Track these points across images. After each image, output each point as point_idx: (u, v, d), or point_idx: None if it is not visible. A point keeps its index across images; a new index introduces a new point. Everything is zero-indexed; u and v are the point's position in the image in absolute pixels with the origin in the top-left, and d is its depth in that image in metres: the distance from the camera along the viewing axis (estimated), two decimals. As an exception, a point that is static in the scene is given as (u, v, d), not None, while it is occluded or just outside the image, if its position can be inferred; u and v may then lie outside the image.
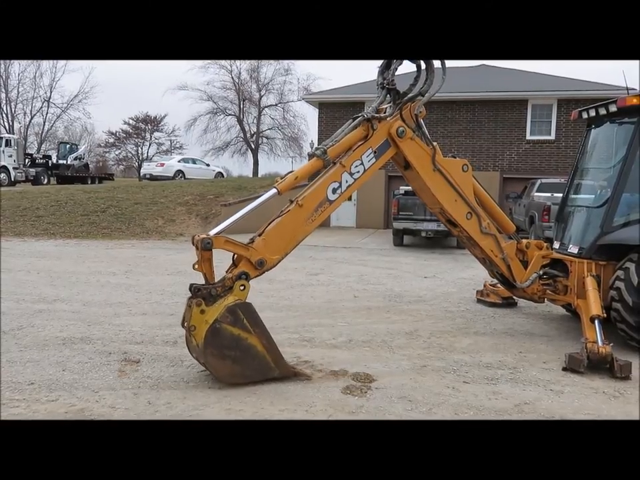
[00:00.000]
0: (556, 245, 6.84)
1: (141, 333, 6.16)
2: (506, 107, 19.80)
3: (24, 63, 45.08)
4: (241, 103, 46.49)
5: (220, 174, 31.96)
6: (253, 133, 47.42)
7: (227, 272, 4.75)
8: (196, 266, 4.65)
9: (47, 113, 48.73)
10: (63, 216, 17.33)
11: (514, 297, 7.57)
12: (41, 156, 34.90)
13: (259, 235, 4.79)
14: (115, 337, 6.01)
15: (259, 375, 4.64)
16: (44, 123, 49.13)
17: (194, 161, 32.17)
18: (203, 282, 4.66)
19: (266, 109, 47.24)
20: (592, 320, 5.33)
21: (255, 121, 47.36)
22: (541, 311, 7.59)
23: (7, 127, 45.16)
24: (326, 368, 5.09)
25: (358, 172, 5.24)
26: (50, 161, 33.16)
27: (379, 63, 5.54)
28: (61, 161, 33.58)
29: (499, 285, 7.52)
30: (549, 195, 13.86)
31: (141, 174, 37.56)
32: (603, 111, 6.28)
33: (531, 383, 4.84)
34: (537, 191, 14.85)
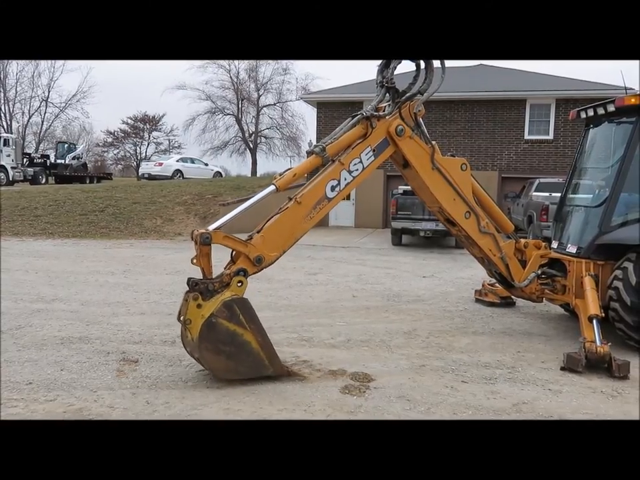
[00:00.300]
0: (554, 244, 6.85)
1: (139, 332, 6.16)
2: (504, 107, 19.81)
3: (22, 62, 45.06)
4: (240, 102, 46.48)
5: (218, 173, 31.95)
6: (251, 132, 47.42)
7: (225, 268, 4.75)
8: (194, 260, 4.65)
9: (45, 112, 48.76)
10: (61, 215, 17.31)
11: (512, 297, 7.57)
12: (39, 155, 34.86)
13: (258, 232, 4.78)
14: (113, 336, 6.00)
15: (252, 372, 4.63)
16: (42, 122, 49.16)
17: (192, 161, 32.14)
18: (201, 278, 4.66)
19: (264, 108, 47.27)
20: (590, 319, 5.34)
21: (253, 121, 47.39)
22: (539, 311, 7.60)
23: (5, 127, 45.08)
24: (324, 367, 5.09)
25: (357, 170, 5.24)
26: (48, 161, 33.12)
27: (378, 62, 5.54)
28: (59, 161, 33.55)
29: (497, 285, 7.52)
30: (547, 194, 13.87)
31: (140, 173, 37.53)
32: (601, 111, 6.28)
33: (529, 382, 4.85)
34: (535, 191, 14.86)
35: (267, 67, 45.57)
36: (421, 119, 5.65)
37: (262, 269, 4.79)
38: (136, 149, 53.52)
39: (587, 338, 5.19)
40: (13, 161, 28.12)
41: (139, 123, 52.37)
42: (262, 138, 47.86)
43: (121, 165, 57.00)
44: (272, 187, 4.91)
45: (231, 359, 4.50)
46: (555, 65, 50.75)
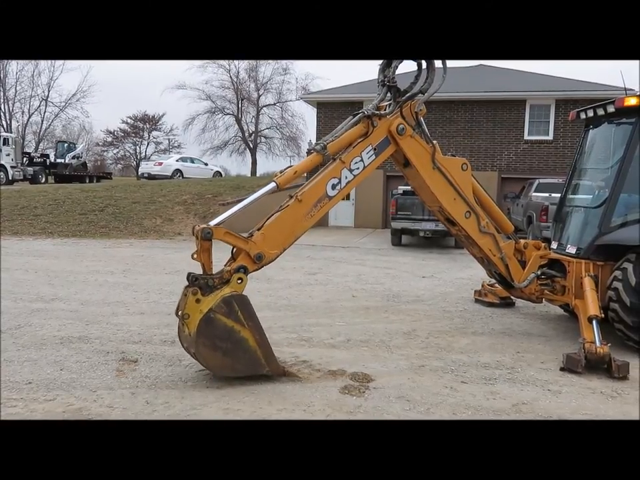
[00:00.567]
0: (554, 245, 6.85)
1: (139, 332, 6.16)
2: (504, 107, 19.82)
3: (22, 61, 45.03)
4: (239, 102, 46.48)
5: (218, 173, 31.94)
6: (251, 132, 47.42)
7: (225, 265, 4.74)
8: (195, 255, 4.65)
9: (45, 111, 48.75)
10: (60, 215, 17.31)
11: (512, 297, 7.57)
12: (39, 155, 34.83)
13: (258, 229, 4.78)
14: (113, 336, 6.00)
15: (248, 370, 4.62)
16: (42, 121, 49.15)
17: (192, 160, 32.13)
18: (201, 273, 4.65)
19: (264, 108, 47.27)
20: (590, 320, 5.34)
21: (253, 120, 47.40)
22: (538, 311, 7.60)
23: (5, 126, 45.05)
24: (324, 368, 5.09)
25: (357, 168, 5.24)
26: (48, 160, 33.07)
27: (378, 62, 5.55)
28: (58, 160, 33.50)
29: (496, 285, 7.52)
30: (546, 195, 13.87)
31: (139, 173, 37.50)
32: (600, 112, 6.29)
33: (528, 383, 4.85)
34: (535, 191, 14.86)
35: (267, 67, 45.65)
36: (422, 118, 5.65)
37: (262, 267, 4.79)
38: (136, 149, 53.62)
39: (586, 338, 5.19)
40: (12, 160, 28.11)
41: (138, 123, 52.44)
42: (262, 138, 47.89)
43: (121, 164, 57.05)
44: (272, 184, 4.91)
45: (227, 355, 4.49)
46: (554, 66, 50.79)
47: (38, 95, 47.71)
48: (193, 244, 4.76)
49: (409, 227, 14.88)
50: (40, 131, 49.47)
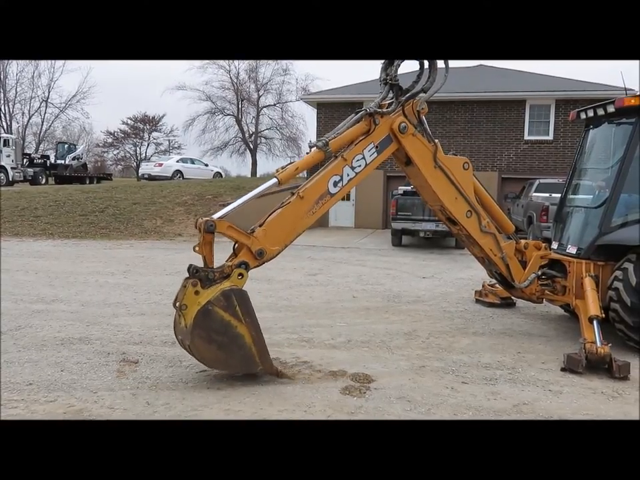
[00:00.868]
0: (554, 245, 6.85)
1: (140, 333, 6.16)
2: (504, 107, 19.83)
3: (22, 62, 45.09)
4: (240, 103, 46.53)
5: (218, 174, 31.94)
6: (251, 133, 47.46)
7: (227, 261, 4.74)
8: (196, 248, 4.64)
9: (45, 112, 48.79)
10: (61, 216, 17.31)
11: (512, 297, 7.57)
12: (39, 156, 34.83)
13: (260, 226, 4.78)
14: (114, 337, 6.00)
15: (241, 367, 4.61)
16: (42, 122, 49.19)
17: (192, 161, 32.15)
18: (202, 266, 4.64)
19: (264, 109, 47.32)
20: (590, 320, 5.34)
21: (253, 121, 47.44)
22: (539, 312, 7.60)
23: (5, 127, 45.09)
24: (325, 368, 5.09)
25: (359, 166, 5.24)
26: (48, 161, 33.09)
27: (378, 63, 5.55)
28: (59, 161, 33.52)
29: (497, 285, 7.52)
30: (547, 195, 13.87)
31: (139, 174, 37.53)
32: (601, 112, 6.29)
33: (529, 383, 4.85)
34: (535, 191, 14.86)
35: (267, 68, 45.71)
36: (423, 117, 5.65)
37: (263, 263, 4.78)
38: (136, 150, 53.58)
39: (587, 339, 5.19)
40: (12, 161, 28.10)
41: (138, 124, 52.41)
42: (262, 138, 47.92)
43: (121, 165, 57.03)
44: (274, 180, 4.92)
45: (222, 349, 4.46)
46: (554, 66, 50.80)
47: (38, 96, 47.82)
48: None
49: (409, 227, 14.88)
50: (40, 132, 49.57)
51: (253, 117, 47.33)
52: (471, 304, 8.03)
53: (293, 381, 4.74)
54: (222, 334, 4.44)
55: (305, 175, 5.25)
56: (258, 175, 43.63)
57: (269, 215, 4.86)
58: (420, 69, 5.54)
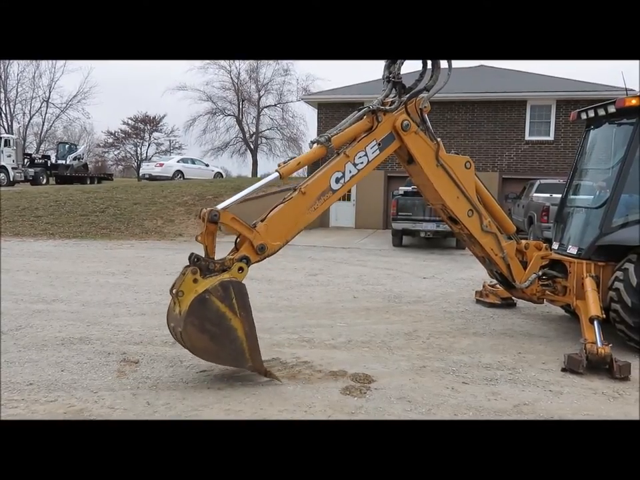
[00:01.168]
0: (555, 245, 6.84)
1: (140, 333, 6.16)
2: (505, 108, 19.82)
3: (23, 62, 45.10)
4: (240, 103, 46.50)
5: (219, 174, 31.95)
6: (252, 133, 47.44)
7: (228, 254, 4.74)
8: (199, 237, 4.64)
9: (46, 113, 48.79)
10: (61, 216, 17.32)
11: (513, 298, 7.57)
12: (40, 156, 34.83)
13: (261, 221, 4.79)
14: (114, 337, 6.00)
15: (231, 361, 4.57)
16: (43, 123, 49.18)
17: (193, 161, 32.16)
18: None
19: (265, 109, 47.29)
20: (591, 321, 5.33)
21: (254, 121, 47.41)
22: (540, 312, 7.59)
23: (6, 127, 45.10)
24: (325, 369, 5.09)
25: (362, 163, 5.24)
26: (49, 161, 33.08)
27: (379, 63, 5.56)
28: (59, 161, 33.52)
29: (498, 286, 7.52)
30: (547, 195, 13.86)
31: (140, 174, 37.56)
32: (601, 112, 6.28)
33: (530, 383, 4.84)
34: (536, 192, 14.85)
35: (268, 68, 45.67)
36: (426, 116, 5.66)
37: (264, 258, 4.78)
38: (136, 150, 53.61)
39: (587, 339, 5.19)
40: (13, 161, 28.11)
41: (139, 124, 52.43)
42: (263, 139, 47.89)
43: (122, 165, 57.05)
44: (275, 174, 4.94)
45: (213, 340, 4.41)
46: (555, 66, 50.78)
47: (39, 97, 47.83)
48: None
49: (409, 227, 14.87)
50: (41, 132, 49.59)
51: (254, 117, 47.35)
52: (472, 304, 8.03)
53: (294, 381, 4.74)
54: (216, 325, 4.39)
55: (307, 170, 5.27)
56: (259, 175, 43.59)
57: (271, 211, 4.87)
58: (423, 67, 5.55)
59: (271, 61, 43.60)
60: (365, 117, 5.32)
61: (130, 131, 52.37)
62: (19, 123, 47.36)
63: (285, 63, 44.68)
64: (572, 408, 4.32)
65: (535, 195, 14.76)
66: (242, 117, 47.01)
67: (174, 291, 4.48)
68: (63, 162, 33.47)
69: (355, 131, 5.27)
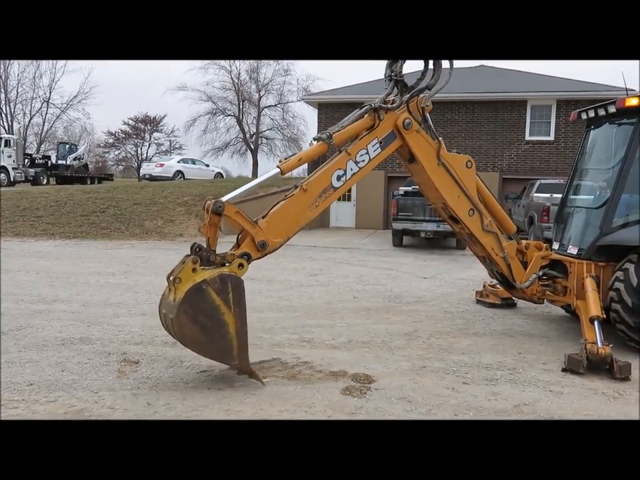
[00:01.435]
0: (555, 245, 6.84)
1: (140, 333, 6.16)
2: (505, 108, 19.82)
3: (23, 63, 45.13)
4: (241, 103, 46.51)
5: (219, 174, 31.96)
6: (252, 133, 47.44)
7: (230, 250, 4.74)
8: (202, 229, 4.63)
9: (47, 113, 48.82)
10: (62, 216, 17.32)
11: (513, 298, 7.57)
12: (41, 156, 34.84)
13: (263, 217, 4.79)
14: (114, 337, 6.00)
15: (218, 356, 4.52)
16: (43, 123, 49.20)
17: (193, 162, 32.17)
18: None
19: (265, 109, 47.30)
20: (591, 321, 5.33)
21: (254, 122, 47.41)
22: (540, 312, 7.59)
23: (7, 128, 45.14)
24: (325, 369, 5.09)
25: (363, 161, 5.25)
26: (49, 161, 33.10)
27: (379, 63, 5.56)
28: (60, 161, 33.53)
29: (498, 286, 7.51)
30: (548, 195, 13.86)
31: (141, 174, 37.56)
32: (602, 112, 6.28)
33: (530, 383, 4.84)
34: (536, 192, 14.86)
35: (268, 68, 45.67)
36: (428, 114, 5.66)
37: (265, 255, 4.78)
38: (137, 150, 53.61)
39: (588, 339, 5.19)
40: (14, 161, 28.12)
41: (139, 124, 52.43)
42: (263, 139, 47.90)
43: (122, 165, 57.06)
44: (276, 170, 4.94)
45: (203, 332, 4.35)
46: (555, 66, 50.78)
47: (39, 97, 47.86)
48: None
49: (410, 227, 14.87)
50: (41, 132, 49.61)
51: (254, 118, 47.35)
52: (472, 304, 8.02)
53: (294, 381, 4.74)
54: (208, 317, 4.34)
55: (308, 168, 5.29)
56: (259, 176, 43.57)
57: (272, 208, 4.87)
58: (424, 66, 5.55)
59: (271, 61, 43.63)
60: (366, 114, 5.32)
61: (130, 131, 52.38)
62: (19, 123, 47.47)
63: (285, 63, 44.73)
64: (572, 408, 4.32)
65: (535, 195, 14.76)
66: (242, 117, 47.03)
67: (171, 278, 4.45)
68: (64, 162, 33.48)
69: (356, 129, 5.28)
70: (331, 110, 20.77)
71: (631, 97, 5.86)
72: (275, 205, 4.91)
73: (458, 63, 5.46)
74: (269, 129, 47.91)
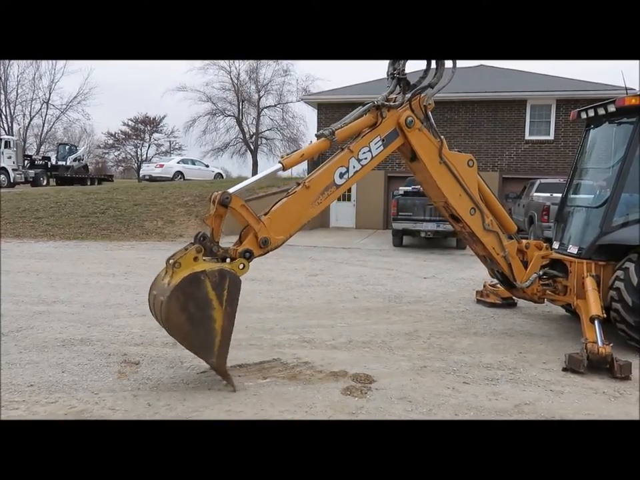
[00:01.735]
0: (555, 245, 6.84)
1: (141, 334, 6.16)
2: (505, 107, 19.82)
3: (23, 64, 45.15)
4: (240, 103, 46.49)
5: (219, 175, 31.96)
6: (252, 133, 47.42)
7: (232, 246, 4.74)
8: (207, 220, 4.62)
9: (46, 114, 48.80)
10: (62, 217, 17.32)
11: (513, 297, 7.56)
12: (40, 157, 34.82)
13: (265, 214, 4.79)
14: (115, 338, 6.00)
15: (197, 349, 4.43)
16: (43, 124, 49.19)
17: (193, 162, 32.18)
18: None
19: (265, 109, 47.28)
20: (592, 320, 5.33)
21: (254, 122, 47.39)
22: (540, 312, 7.59)
23: (6, 129, 45.14)
24: (326, 369, 5.08)
25: (365, 159, 5.25)
26: (49, 162, 33.08)
27: (378, 63, 5.57)
28: (60, 162, 33.53)
29: (498, 285, 7.51)
30: (548, 195, 13.86)
31: (140, 175, 37.57)
32: (601, 111, 6.28)
33: (530, 383, 4.84)
34: (536, 191, 14.86)
35: (268, 68, 45.65)
36: (430, 113, 5.66)
37: (267, 252, 4.77)
38: (137, 151, 53.61)
39: (588, 339, 5.18)
40: (14, 162, 28.12)
41: (139, 125, 52.43)
42: (263, 139, 47.88)
43: (122, 166, 57.04)
44: (278, 165, 4.95)
45: (189, 322, 4.29)
46: (555, 66, 50.81)
47: (39, 98, 47.87)
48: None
49: (410, 227, 14.87)
50: (41, 133, 49.60)
51: (254, 118, 47.33)
52: (472, 304, 8.02)
53: (294, 382, 4.74)
54: (198, 308, 4.29)
55: (308, 167, 5.28)
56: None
57: (274, 205, 4.87)
58: (427, 65, 5.56)
59: (270, 62, 43.62)
60: (369, 112, 5.32)
61: (130, 132, 52.38)
62: (19, 125, 47.45)
63: (284, 63, 44.72)
64: (573, 407, 4.32)
65: (535, 194, 14.77)
66: (242, 118, 47.02)
67: (171, 261, 4.39)
68: (63, 163, 33.48)
69: (358, 126, 5.29)
70: (331, 110, 20.77)
71: (631, 96, 5.86)
72: (277, 201, 4.91)
73: (458, 63, 5.46)
74: (268, 129, 47.94)
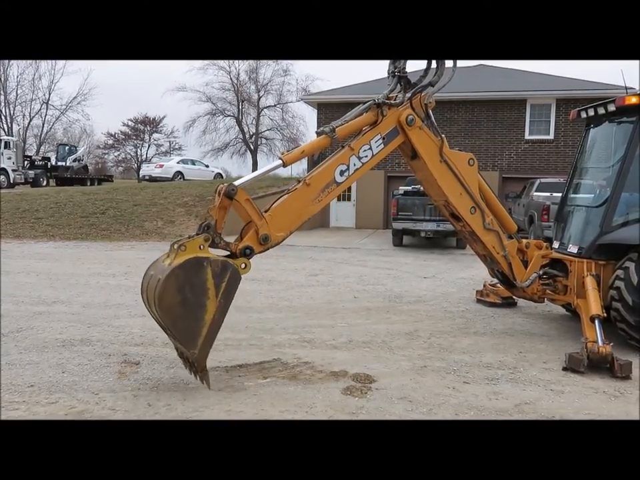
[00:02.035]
0: (555, 244, 6.84)
1: (141, 334, 6.16)
2: (505, 107, 19.83)
3: (22, 64, 45.18)
4: (240, 104, 46.52)
5: (219, 175, 31.97)
6: (252, 133, 47.45)
7: (233, 242, 4.74)
8: (211, 211, 4.60)
9: (46, 114, 48.86)
10: (62, 218, 17.32)
11: (513, 297, 7.56)
12: (40, 158, 34.81)
13: (265, 212, 4.79)
14: (115, 338, 6.00)
15: (181, 336, 4.31)
16: (43, 124, 49.24)
17: (193, 162, 32.19)
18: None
19: (265, 109, 47.31)
20: (592, 319, 5.33)
21: (253, 122, 47.43)
22: (540, 311, 7.59)
23: (6, 129, 45.17)
24: (326, 369, 5.08)
25: (366, 156, 5.25)
26: (49, 163, 33.09)
27: (378, 63, 5.57)
28: (60, 163, 33.53)
29: (498, 285, 7.51)
30: (548, 194, 13.87)
31: (140, 175, 37.59)
32: (601, 111, 6.28)
33: (531, 382, 4.84)
34: (536, 191, 14.86)
35: (267, 68, 45.70)
36: (430, 111, 5.66)
37: (267, 249, 4.77)
38: (137, 151, 53.65)
39: (588, 338, 5.18)
40: (13, 163, 28.13)
41: (139, 125, 52.48)
42: (262, 139, 47.91)
43: (122, 166, 57.07)
44: (279, 161, 4.95)
45: (181, 305, 4.18)
46: (555, 65, 50.80)
47: (39, 98, 47.92)
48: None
49: (410, 227, 14.87)
50: (41, 134, 49.63)
51: (254, 118, 47.36)
52: (472, 304, 8.02)
53: (295, 382, 4.73)
54: (194, 294, 4.22)
55: (307, 166, 5.26)
56: (259, 176, 43.49)
57: (275, 201, 4.88)
58: (427, 63, 5.56)
59: (270, 62, 43.64)
60: (370, 110, 5.33)
61: (130, 132, 52.42)
62: (18, 125, 47.43)
63: (284, 63, 44.75)
64: (573, 407, 4.32)
65: (535, 194, 14.77)
66: (242, 118, 47.05)
67: (176, 245, 4.32)
68: (63, 164, 33.48)
69: (359, 124, 5.29)
70: (330, 110, 20.77)
71: (631, 95, 5.86)
72: (278, 199, 4.91)
73: (458, 62, 5.47)
74: (268, 129, 47.98)
